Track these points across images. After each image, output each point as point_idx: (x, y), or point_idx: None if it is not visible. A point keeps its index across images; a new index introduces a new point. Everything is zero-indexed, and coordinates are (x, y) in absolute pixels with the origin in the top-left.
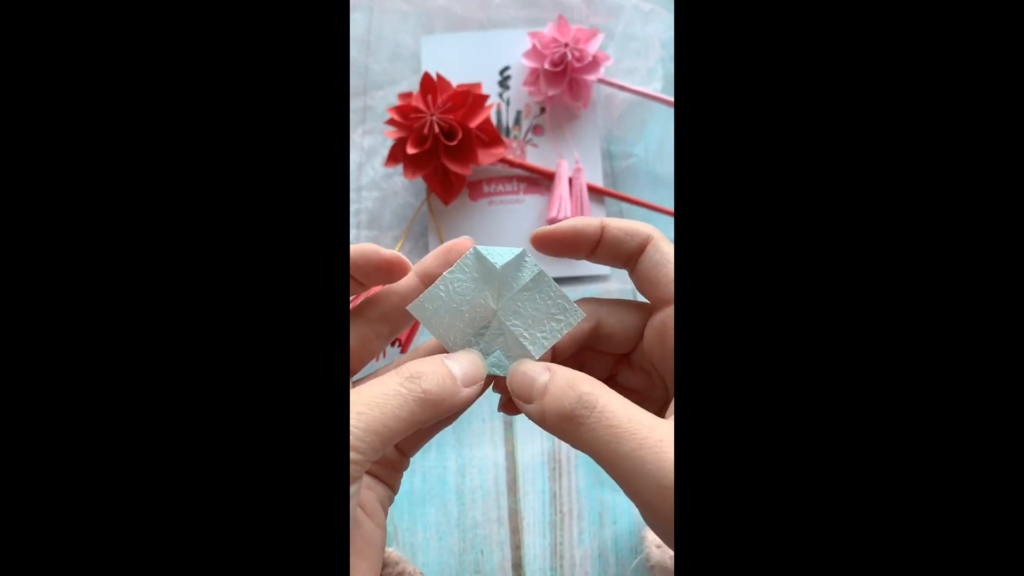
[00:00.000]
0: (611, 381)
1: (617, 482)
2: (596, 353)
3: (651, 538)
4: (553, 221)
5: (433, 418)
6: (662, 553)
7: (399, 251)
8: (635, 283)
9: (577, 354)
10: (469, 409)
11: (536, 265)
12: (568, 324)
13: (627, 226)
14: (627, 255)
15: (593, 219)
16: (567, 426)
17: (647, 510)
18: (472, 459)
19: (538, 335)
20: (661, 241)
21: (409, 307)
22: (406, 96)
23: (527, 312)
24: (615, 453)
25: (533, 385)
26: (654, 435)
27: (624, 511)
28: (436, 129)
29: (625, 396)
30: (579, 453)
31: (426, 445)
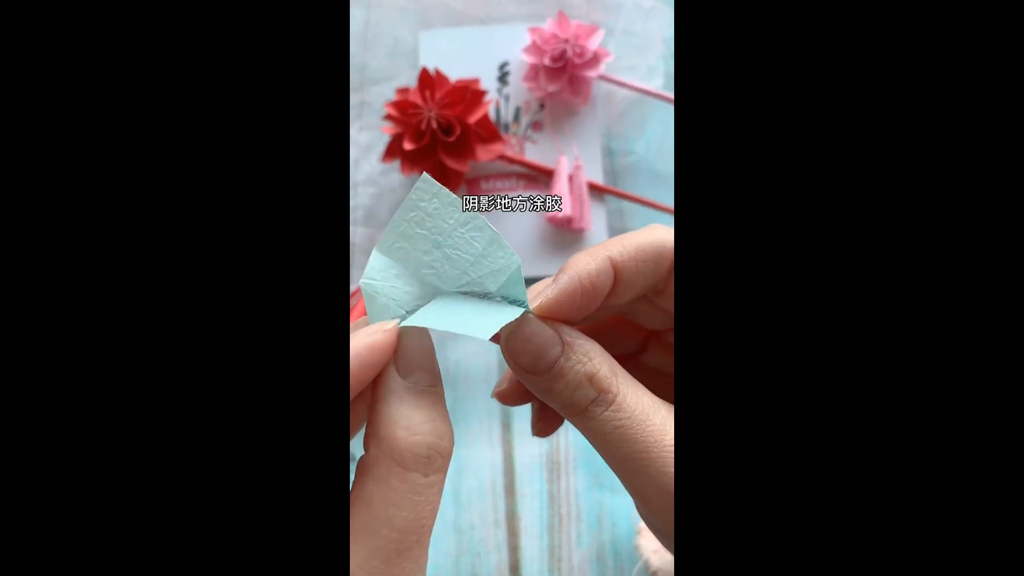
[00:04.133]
0: (634, 360)
1: (616, 473)
2: (623, 326)
3: (646, 544)
4: (553, 219)
5: None
6: (661, 558)
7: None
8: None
9: (600, 326)
10: (466, 409)
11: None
12: (504, 322)
13: (645, 250)
14: (653, 283)
15: (599, 259)
16: (572, 415)
17: (645, 509)
18: (469, 460)
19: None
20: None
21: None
22: (404, 91)
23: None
24: (618, 452)
25: (542, 357)
26: (665, 438)
27: (623, 514)
28: (434, 125)
29: (651, 379)
30: (578, 455)
31: None
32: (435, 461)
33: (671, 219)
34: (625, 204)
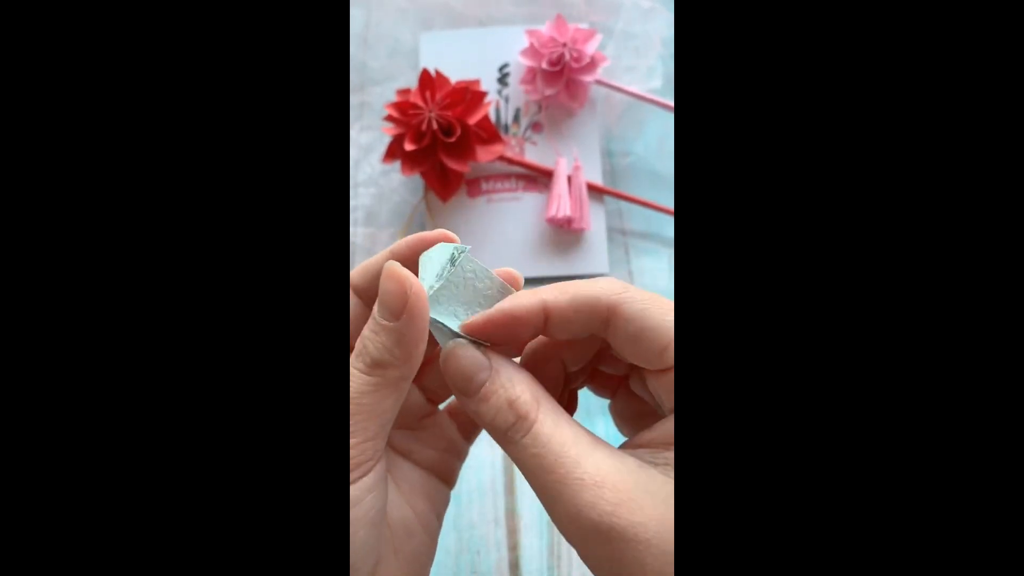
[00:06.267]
0: (621, 387)
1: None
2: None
3: None
4: (552, 219)
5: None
6: None
7: None
8: (616, 351)
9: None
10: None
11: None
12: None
13: (579, 300)
14: (590, 330)
15: (531, 299)
16: (497, 437)
17: (565, 537)
18: (469, 458)
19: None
20: (632, 303)
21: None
22: (404, 92)
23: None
24: (535, 479)
25: (471, 380)
26: (577, 471)
27: None
28: (434, 126)
29: (636, 404)
30: None
31: None
32: (381, 368)
33: (671, 220)
34: (624, 204)
